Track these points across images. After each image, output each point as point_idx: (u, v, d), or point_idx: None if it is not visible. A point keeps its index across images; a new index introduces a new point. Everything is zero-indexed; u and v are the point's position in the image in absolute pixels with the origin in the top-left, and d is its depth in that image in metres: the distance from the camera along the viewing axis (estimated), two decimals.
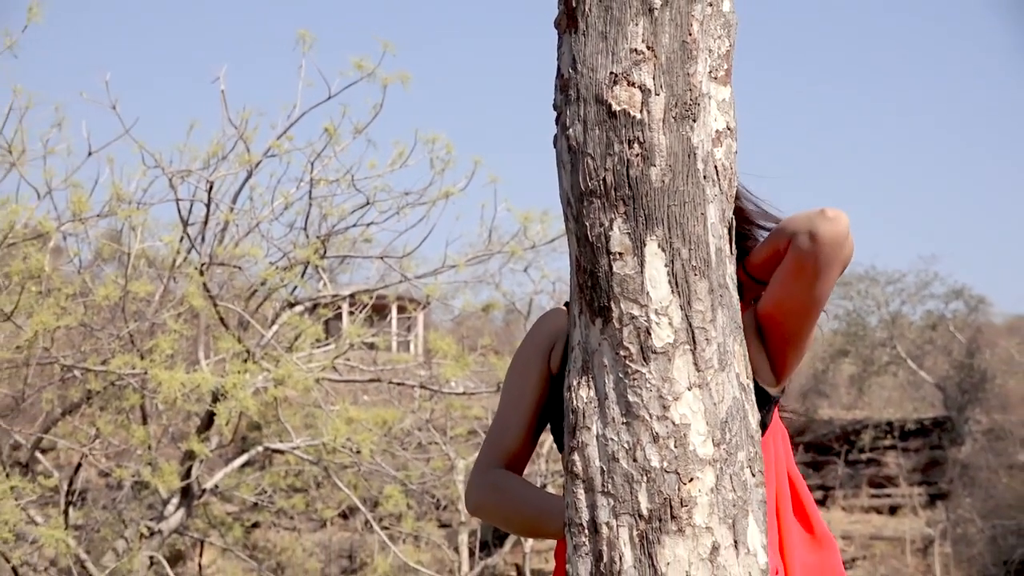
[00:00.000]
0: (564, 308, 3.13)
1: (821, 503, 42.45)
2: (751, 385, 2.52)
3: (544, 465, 20.15)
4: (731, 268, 2.51)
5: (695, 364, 2.40)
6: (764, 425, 2.79)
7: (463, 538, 27.04)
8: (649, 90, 2.40)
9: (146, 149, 12.20)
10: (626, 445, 2.37)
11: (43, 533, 11.01)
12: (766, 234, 3.27)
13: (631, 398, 2.38)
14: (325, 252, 13.24)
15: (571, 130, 2.45)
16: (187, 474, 12.61)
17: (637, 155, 2.39)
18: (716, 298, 2.43)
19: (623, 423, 2.38)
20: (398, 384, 14.71)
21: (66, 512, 12.59)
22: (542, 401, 3.05)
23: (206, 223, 12.66)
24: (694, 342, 2.40)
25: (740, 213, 2.86)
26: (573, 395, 2.47)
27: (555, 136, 2.52)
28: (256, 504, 15.93)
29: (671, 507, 2.34)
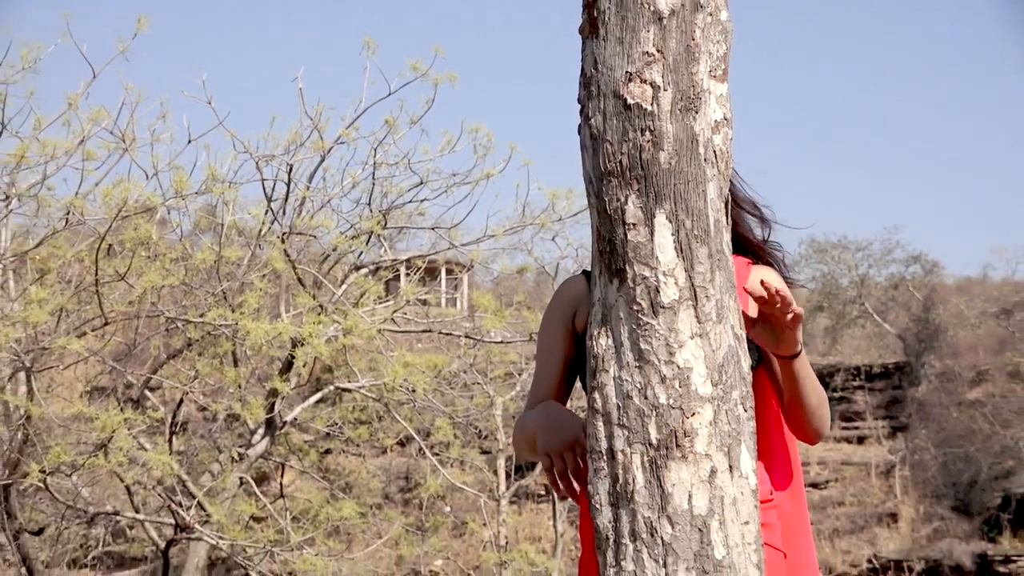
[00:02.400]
0: (582, 275, 3.14)
1: None
2: (744, 335, 2.52)
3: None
4: (727, 236, 2.50)
5: (696, 317, 2.39)
6: (753, 367, 2.79)
7: (500, 463, 27.12)
8: (659, 86, 2.39)
9: (236, 137, 12.23)
10: (638, 385, 2.38)
11: (151, 457, 11.08)
12: (751, 218, 3.27)
13: (643, 345, 2.38)
14: (386, 224, 13.24)
15: (593, 120, 2.45)
16: (271, 408, 12.66)
17: (648, 141, 2.38)
18: (715, 262, 2.43)
19: (636, 366, 2.39)
20: (446, 334, 14.72)
21: (170, 440, 12.65)
22: (570, 357, 3.08)
23: (286, 199, 12.69)
24: (696, 299, 2.40)
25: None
26: (594, 343, 2.47)
27: (579, 125, 2.52)
28: (328, 434, 16.00)
29: (676, 437, 2.34)
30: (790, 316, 2.71)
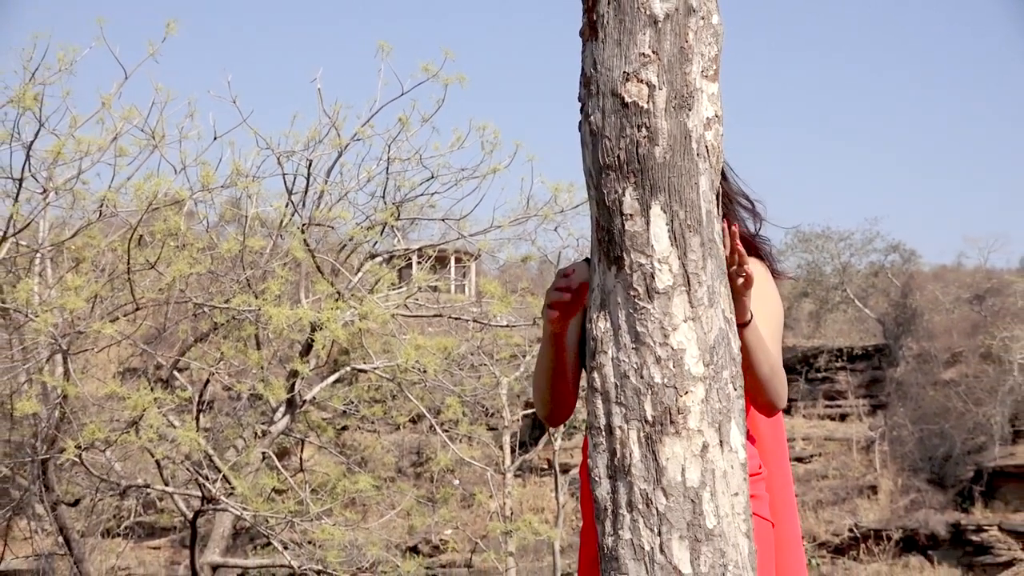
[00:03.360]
0: (584, 262, 3.11)
1: (787, 412, 42.33)
2: (734, 319, 2.51)
3: None
4: (718, 226, 2.50)
5: (689, 302, 2.39)
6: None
7: (506, 439, 27.12)
8: (654, 86, 2.39)
9: (259, 135, 12.23)
10: (635, 365, 2.37)
11: (180, 434, 11.10)
12: (741, 210, 3.25)
13: (639, 328, 2.38)
14: (399, 215, 13.23)
15: (592, 117, 2.45)
16: (291, 388, 12.67)
17: (644, 137, 2.38)
18: (706, 250, 2.43)
19: (633, 348, 2.38)
20: (455, 319, 14.71)
21: (197, 418, 12.66)
22: (578, 336, 3.02)
23: (306, 192, 12.68)
24: (689, 285, 2.40)
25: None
26: (593, 326, 2.47)
27: (579, 122, 2.52)
28: (345, 412, 15.96)
29: (670, 414, 2.34)
30: (741, 280, 2.66)
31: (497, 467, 26.42)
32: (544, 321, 2.84)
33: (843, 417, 42.55)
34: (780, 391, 2.89)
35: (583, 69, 2.50)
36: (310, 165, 12.48)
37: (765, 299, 2.99)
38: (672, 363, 2.36)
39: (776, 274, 3.23)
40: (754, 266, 3.10)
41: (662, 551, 2.30)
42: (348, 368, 13.91)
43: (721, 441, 2.37)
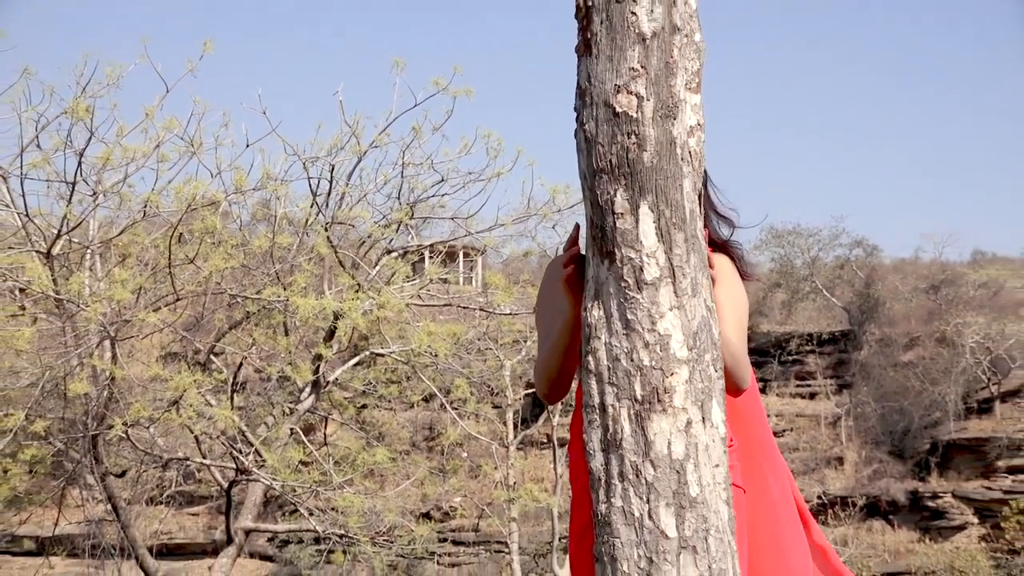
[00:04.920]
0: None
1: (762, 391, 42.55)
2: (715, 306, 2.51)
3: None
4: (700, 224, 2.49)
5: (675, 292, 2.39)
6: None
7: (509, 416, 27.16)
8: (642, 97, 2.38)
9: (287, 142, 12.25)
10: (626, 349, 2.37)
11: (216, 412, 11.11)
12: (715, 217, 3.26)
13: (629, 316, 2.37)
14: (412, 215, 13.23)
15: (587, 126, 2.44)
16: (316, 370, 12.68)
17: (633, 143, 2.37)
18: (690, 245, 2.42)
19: (624, 334, 2.38)
20: (463, 308, 14.72)
21: (231, 397, 12.67)
22: None
23: (329, 194, 12.68)
24: (674, 276, 2.39)
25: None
26: (588, 314, 2.46)
27: (575, 130, 2.51)
28: (364, 391, 15.98)
29: (658, 393, 2.34)
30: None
31: (501, 441, 26.46)
32: (562, 304, 2.81)
33: (812, 395, 42.60)
34: (743, 375, 2.88)
35: (578, 82, 2.49)
36: (332, 170, 12.49)
37: (731, 291, 3.00)
38: (659, 347, 2.36)
39: (745, 275, 3.23)
40: (720, 260, 3.10)
41: (650, 517, 2.30)
42: (367, 352, 13.93)
43: (703, 418, 2.37)
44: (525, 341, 18.97)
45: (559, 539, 25.48)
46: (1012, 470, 36.77)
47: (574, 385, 3.13)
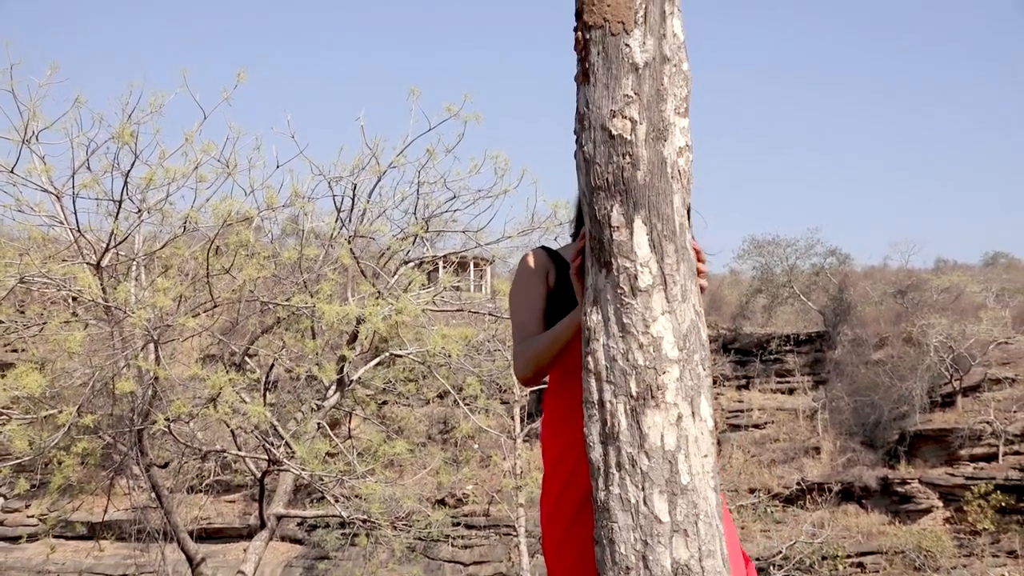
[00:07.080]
0: (541, 248, 3.10)
1: (745, 387, 42.53)
2: (702, 311, 2.50)
3: None
4: (689, 236, 2.48)
5: (666, 298, 2.38)
6: None
7: (516, 411, 27.10)
8: (636, 121, 2.38)
9: (313, 163, 12.34)
10: (622, 350, 2.36)
11: (250, 408, 11.10)
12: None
13: (625, 320, 2.37)
14: (427, 228, 13.23)
15: (585, 147, 2.44)
16: (340, 370, 12.68)
17: (628, 163, 2.37)
18: (680, 255, 2.41)
19: (620, 336, 2.37)
20: (474, 312, 14.73)
21: (264, 395, 12.68)
22: (545, 309, 3.01)
23: (352, 210, 12.70)
24: (665, 284, 2.38)
25: None
26: (587, 318, 2.46)
27: (575, 151, 2.51)
28: (384, 389, 15.98)
29: (651, 390, 2.33)
30: (701, 285, 2.66)
31: (509, 434, 26.41)
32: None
33: (791, 391, 42.49)
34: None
35: (577, 108, 2.49)
36: (355, 188, 12.51)
37: None
38: (652, 348, 2.35)
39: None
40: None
41: (645, 503, 2.30)
42: (387, 353, 13.93)
43: (693, 412, 2.36)
44: None
45: None
46: (973, 458, 36.66)
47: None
